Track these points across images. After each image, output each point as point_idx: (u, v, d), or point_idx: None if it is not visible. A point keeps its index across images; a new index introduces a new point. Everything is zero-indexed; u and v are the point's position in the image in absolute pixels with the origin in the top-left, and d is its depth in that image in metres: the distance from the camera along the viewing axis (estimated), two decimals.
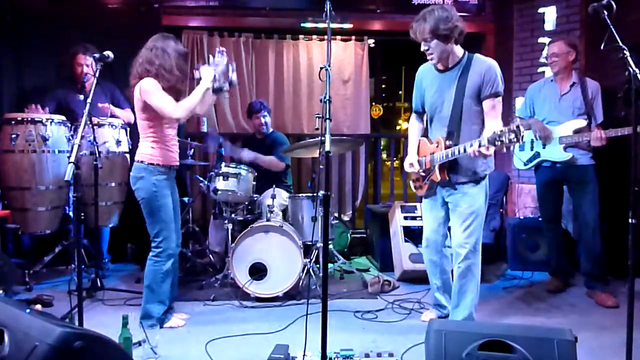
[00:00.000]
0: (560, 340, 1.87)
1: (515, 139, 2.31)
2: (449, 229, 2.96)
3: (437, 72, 2.84)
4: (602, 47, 2.21)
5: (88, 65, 3.98)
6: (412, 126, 3.13)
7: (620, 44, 2.15)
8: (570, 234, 4.17)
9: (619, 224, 2.84)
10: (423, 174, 2.96)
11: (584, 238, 3.57)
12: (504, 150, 2.42)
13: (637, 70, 2.10)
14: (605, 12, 2.21)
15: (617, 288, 3.61)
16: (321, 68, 2.26)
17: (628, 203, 2.11)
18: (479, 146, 2.47)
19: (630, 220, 2.11)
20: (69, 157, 2.35)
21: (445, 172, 2.77)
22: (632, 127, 2.18)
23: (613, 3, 2.20)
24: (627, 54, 2.13)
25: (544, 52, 4.53)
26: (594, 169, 3.54)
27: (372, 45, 5.39)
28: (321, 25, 4.86)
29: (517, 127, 2.31)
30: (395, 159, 6.48)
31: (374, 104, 5.59)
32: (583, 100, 3.52)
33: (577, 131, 3.48)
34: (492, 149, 2.45)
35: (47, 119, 3.65)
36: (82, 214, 3.83)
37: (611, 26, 2.19)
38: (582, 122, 3.49)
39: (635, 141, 2.18)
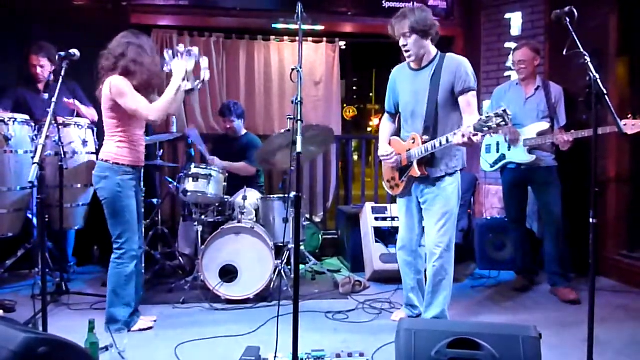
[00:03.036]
0: (526, 337, 1.93)
1: (503, 122, 2.33)
2: (424, 228, 3.00)
3: (411, 70, 2.89)
4: (564, 53, 2.28)
5: (42, 65, 3.88)
6: (383, 125, 3.16)
7: (582, 49, 2.22)
8: (535, 233, 4.28)
9: (581, 224, 2.93)
10: (398, 170, 2.98)
11: (548, 237, 3.68)
12: (492, 135, 2.44)
13: (597, 76, 2.17)
14: (568, 19, 2.29)
15: (579, 286, 3.73)
16: (293, 69, 2.27)
17: (589, 203, 2.18)
18: (467, 132, 2.47)
19: (591, 220, 2.18)
20: (33, 158, 2.28)
21: (423, 167, 2.81)
22: (593, 130, 2.26)
23: (575, 10, 2.27)
24: (588, 59, 2.20)
25: (510, 58, 4.66)
26: (556, 170, 3.65)
27: (343, 47, 5.42)
28: (292, 26, 4.86)
29: (504, 110, 2.33)
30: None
31: (345, 105, 5.62)
32: (547, 104, 3.63)
33: (540, 133, 3.58)
34: (479, 136, 2.46)
35: (10, 118, 3.52)
36: (47, 217, 3.72)
37: (573, 32, 2.26)
38: (545, 125, 3.59)
39: (595, 144, 2.26)
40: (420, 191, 2.90)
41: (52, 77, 3.95)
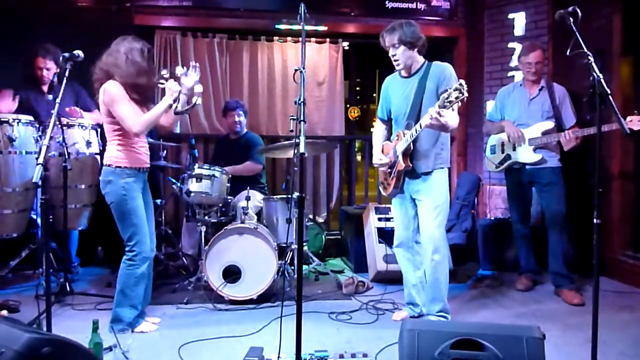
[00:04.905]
0: (529, 337, 1.92)
1: (460, 94, 2.47)
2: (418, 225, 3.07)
3: (401, 78, 3.06)
4: (568, 53, 2.28)
5: (48, 68, 3.90)
6: (376, 131, 3.31)
7: (585, 49, 2.21)
8: (539, 234, 4.26)
9: (585, 224, 2.92)
10: (389, 170, 3.08)
11: (552, 238, 3.67)
12: (453, 109, 2.57)
13: (601, 76, 2.16)
14: (571, 19, 2.29)
15: (582, 286, 3.72)
16: (296, 70, 2.29)
17: (593, 203, 2.17)
18: (431, 113, 2.61)
19: (595, 221, 2.17)
20: (37, 159, 2.29)
21: (408, 159, 2.93)
22: (597, 130, 2.25)
23: (578, 10, 2.27)
24: (592, 59, 2.19)
25: (514, 58, 4.65)
26: (561, 170, 3.64)
27: (347, 47, 5.42)
28: (296, 27, 4.85)
29: (460, 83, 2.48)
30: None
31: (349, 106, 5.62)
32: (551, 104, 3.63)
33: (545, 133, 3.58)
34: (446, 113, 2.59)
35: (14, 119, 3.54)
36: (51, 217, 3.73)
37: (577, 32, 2.26)
38: (550, 124, 3.59)
39: (600, 144, 2.26)
40: (411, 188, 3.01)
41: (56, 78, 3.95)
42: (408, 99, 2.96)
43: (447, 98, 2.52)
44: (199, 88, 2.90)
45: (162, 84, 2.87)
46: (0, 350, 1.53)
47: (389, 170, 3.09)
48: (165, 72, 2.90)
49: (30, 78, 3.97)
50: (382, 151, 3.16)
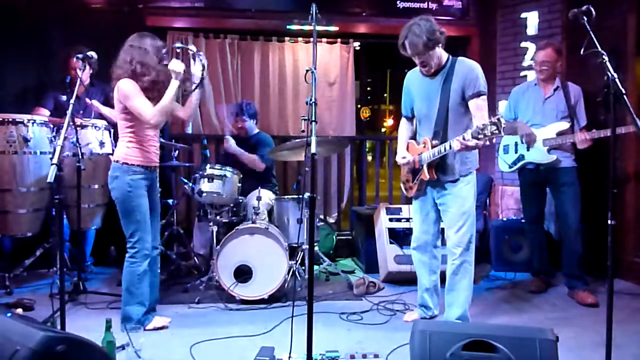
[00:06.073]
0: (542, 339, 1.91)
1: (497, 131, 2.39)
2: (442, 229, 3.04)
3: (424, 76, 2.93)
4: (582, 52, 2.25)
5: (80, 69, 3.95)
6: (402, 129, 3.20)
7: (600, 49, 2.19)
8: (552, 235, 4.23)
9: (599, 226, 2.89)
10: (411, 174, 3.02)
11: (566, 239, 3.63)
12: (488, 142, 2.48)
13: (615, 75, 2.14)
14: (585, 18, 2.26)
15: (596, 288, 3.68)
16: (307, 70, 2.29)
17: (607, 204, 2.15)
18: (464, 140, 2.54)
19: (609, 222, 2.15)
20: (51, 159, 2.32)
21: (433, 171, 2.85)
22: (611, 130, 2.23)
23: (592, 9, 2.24)
24: (606, 59, 2.17)
25: (527, 58, 4.61)
26: (576, 171, 3.60)
27: (358, 48, 5.41)
28: (307, 27, 4.83)
29: (498, 119, 2.38)
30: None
31: (360, 106, 5.61)
32: (566, 104, 3.59)
33: (560, 133, 3.54)
34: (475, 142, 2.51)
35: (29, 120, 3.59)
36: (65, 216, 3.78)
37: (591, 31, 2.23)
38: (565, 125, 3.55)
39: (614, 144, 2.23)
40: (436, 192, 2.94)
41: (87, 80, 4.00)
42: (432, 101, 2.86)
43: (482, 130, 2.42)
44: (199, 66, 2.96)
45: (166, 65, 2.89)
46: (16, 347, 1.56)
47: (412, 173, 3.02)
48: (165, 53, 2.93)
49: (63, 80, 4.02)
50: (407, 149, 3.08)
